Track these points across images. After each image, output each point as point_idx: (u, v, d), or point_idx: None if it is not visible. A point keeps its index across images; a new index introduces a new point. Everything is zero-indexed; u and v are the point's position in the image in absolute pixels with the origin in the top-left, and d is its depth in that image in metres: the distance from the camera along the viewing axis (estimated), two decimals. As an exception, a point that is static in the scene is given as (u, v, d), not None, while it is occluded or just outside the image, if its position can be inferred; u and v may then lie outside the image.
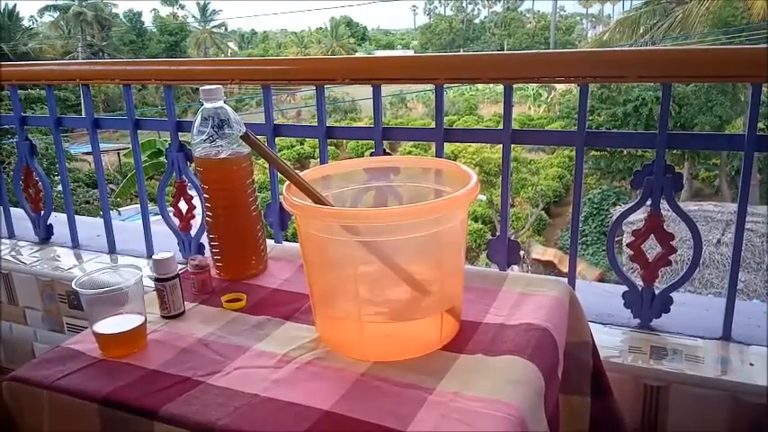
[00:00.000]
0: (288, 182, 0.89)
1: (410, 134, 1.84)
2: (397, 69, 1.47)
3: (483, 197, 13.26)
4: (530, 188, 14.48)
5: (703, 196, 14.09)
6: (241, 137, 0.93)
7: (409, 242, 0.85)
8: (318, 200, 0.89)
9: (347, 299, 0.89)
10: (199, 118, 1.09)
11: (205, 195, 1.14)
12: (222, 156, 1.10)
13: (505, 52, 1.47)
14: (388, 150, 1.54)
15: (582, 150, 1.32)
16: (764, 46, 1.14)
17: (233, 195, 1.13)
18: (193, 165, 1.60)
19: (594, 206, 13.31)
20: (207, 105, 1.08)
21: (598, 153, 13.62)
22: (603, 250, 12.14)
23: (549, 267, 12.06)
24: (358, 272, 0.86)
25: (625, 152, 13.53)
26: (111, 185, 13.20)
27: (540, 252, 12.82)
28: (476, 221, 13.15)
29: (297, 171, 0.92)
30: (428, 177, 1.02)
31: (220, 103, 1.09)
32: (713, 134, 2.01)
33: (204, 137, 1.09)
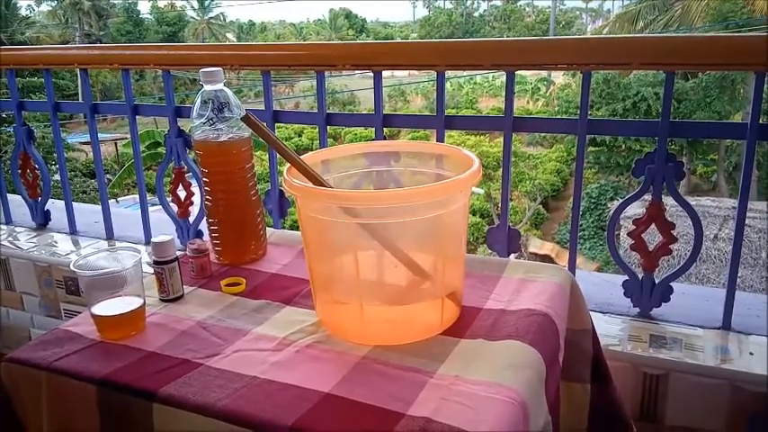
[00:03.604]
0: (288, 165, 0.89)
1: (411, 121, 1.82)
2: (398, 55, 1.46)
3: (481, 191, 13.24)
4: (528, 182, 14.46)
5: (701, 191, 14.09)
6: (242, 119, 0.92)
7: (410, 226, 0.84)
8: (319, 182, 0.89)
9: (348, 283, 0.88)
10: (198, 101, 1.08)
11: (204, 179, 1.13)
12: (222, 139, 1.09)
13: (508, 38, 1.47)
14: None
15: (584, 138, 1.31)
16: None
17: (233, 179, 1.12)
18: (193, 150, 1.60)
19: (592, 200, 13.30)
20: (207, 88, 1.07)
21: (596, 147, 13.61)
22: (601, 244, 12.15)
23: (546, 261, 12.07)
24: (358, 255, 0.86)
25: (623, 147, 13.53)
26: (107, 176, 13.16)
27: (537, 246, 12.82)
28: (473, 215, 13.13)
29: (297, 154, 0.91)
30: (429, 162, 1.01)
31: (220, 86, 1.08)
32: (715, 122, 2.00)
33: (204, 120, 1.08)
